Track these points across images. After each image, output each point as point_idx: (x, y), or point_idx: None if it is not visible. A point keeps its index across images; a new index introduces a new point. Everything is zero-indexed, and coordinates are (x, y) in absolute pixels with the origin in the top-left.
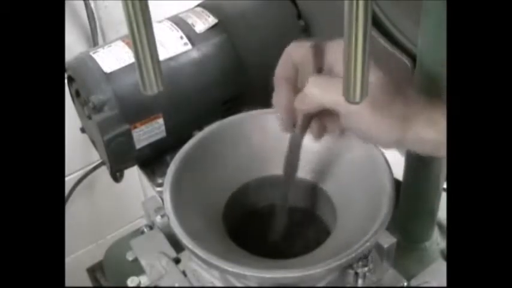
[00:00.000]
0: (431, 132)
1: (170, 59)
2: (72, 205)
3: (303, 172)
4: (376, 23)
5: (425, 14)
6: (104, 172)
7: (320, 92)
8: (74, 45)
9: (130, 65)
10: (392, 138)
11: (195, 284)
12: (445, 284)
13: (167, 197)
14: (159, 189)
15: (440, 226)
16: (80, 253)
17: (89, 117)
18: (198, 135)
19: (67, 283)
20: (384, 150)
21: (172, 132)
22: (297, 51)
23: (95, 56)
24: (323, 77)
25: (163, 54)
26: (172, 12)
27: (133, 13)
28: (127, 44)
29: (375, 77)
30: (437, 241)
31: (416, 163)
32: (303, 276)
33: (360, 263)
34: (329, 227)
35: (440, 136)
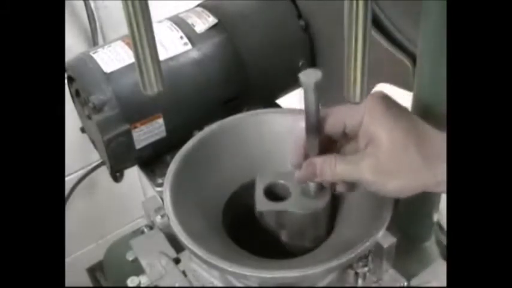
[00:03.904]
0: None
1: (170, 59)
2: (72, 205)
3: None
4: (376, 23)
5: (425, 15)
6: (104, 172)
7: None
8: (74, 45)
9: (131, 65)
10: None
11: (195, 284)
12: (445, 284)
13: (167, 197)
14: (159, 189)
15: (440, 226)
16: (80, 253)
17: (89, 117)
18: (198, 135)
19: (67, 283)
20: None
21: (172, 132)
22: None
23: (95, 56)
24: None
25: (163, 54)
26: (172, 12)
27: (133, 13)
28: (127, 44)
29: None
30: (437, 241)
31: None
32: (303, 276)
33: (360, 263)
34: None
35: None
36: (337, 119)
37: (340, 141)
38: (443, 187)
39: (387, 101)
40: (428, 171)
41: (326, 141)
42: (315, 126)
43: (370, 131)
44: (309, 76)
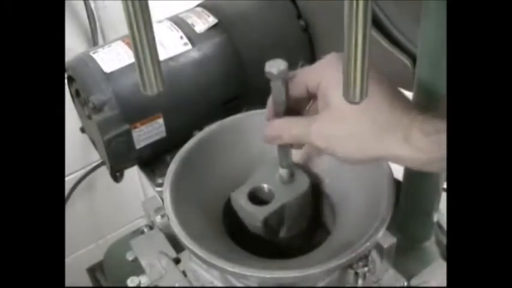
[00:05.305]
0: (406, 149)
1: (170, 59)
2: (72, 205)
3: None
4: (376, 23)
5: (425, 15)
6: (104, 172)
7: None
8: (74, 45)
9: (131, 65)
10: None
11: (195, 284)
12: (444, 284)
13: (167, 197)
14: (159, 189)
15: (440, 226)
16: (80, 253)
17: (89, 117)
18: (198, 135)
19: (67, 283)
20: None
21: (172, 132)
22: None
23: (95, 56)
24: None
25: (163, 54)
26: (172, 12)
27: (133, 13)
28: (127, 44)
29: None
30: (437, 241)
31: None
32: (303, 276)
33: (360, 263)
34: (329, 227)
35: (415, 154)
36: (298, 82)
37: (308, 101)
38: (403, 162)
39: None
40: (380, 143)
41: (294, 102)
42: (283, 114)
43: (326, 94)
44: (275, 66)
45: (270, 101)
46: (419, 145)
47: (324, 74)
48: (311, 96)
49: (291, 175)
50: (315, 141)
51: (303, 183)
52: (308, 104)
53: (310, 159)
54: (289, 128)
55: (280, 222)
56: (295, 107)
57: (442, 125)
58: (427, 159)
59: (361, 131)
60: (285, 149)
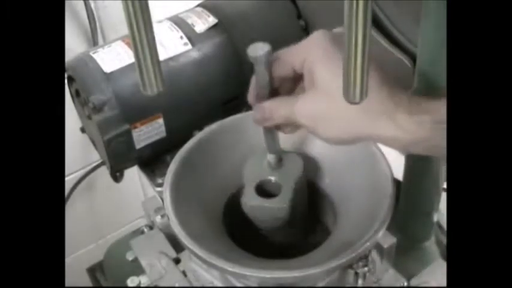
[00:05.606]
0: (390, 128)
1: (170, 59)
2: (72, 205)
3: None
4: (376, 23)
5: (425, 15)
6: (104, 172)
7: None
8: (74, 45)
9: (131, 65)
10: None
11: (195, 284)
12: (444, 284)
13: (167, 197)
14: (159, 189)
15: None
16: (80, 253)
17: (89, 117)
18: (198, 135)
19: (67, 283)
20: (384, 150)
21: (172, 132)
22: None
23: (95, 56)
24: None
25: (163, 54)
26: (172, 12)
27: (133, 13)
28: (127, 44)
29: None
30: (437, 241)
31: (416, 163)
32: (303, 276)
33: (360, 263)
34: (329, 227)
35: (400, 133)
36: (283, 61)
37: (293, 82)
38: (387, 141)
39: (335, 40)
40: (364, 124)
41: (279, 83)
42: (267, 98)
43: (312, 70)
44: (258, 50)
45: (252, 83)
46: (404, 125)
47: (310, 51)
48: (297, 76)
49: (279, 160)
50: (299, 119)
51: (297, 164)
52: (293, 85)
53: (303, 144)
54: (278, 108)
55: (294, 210)
56: (280, 89)
57: (430, 106)
58: (411, 139)
59: (346, 111)
60: (271, 133)
